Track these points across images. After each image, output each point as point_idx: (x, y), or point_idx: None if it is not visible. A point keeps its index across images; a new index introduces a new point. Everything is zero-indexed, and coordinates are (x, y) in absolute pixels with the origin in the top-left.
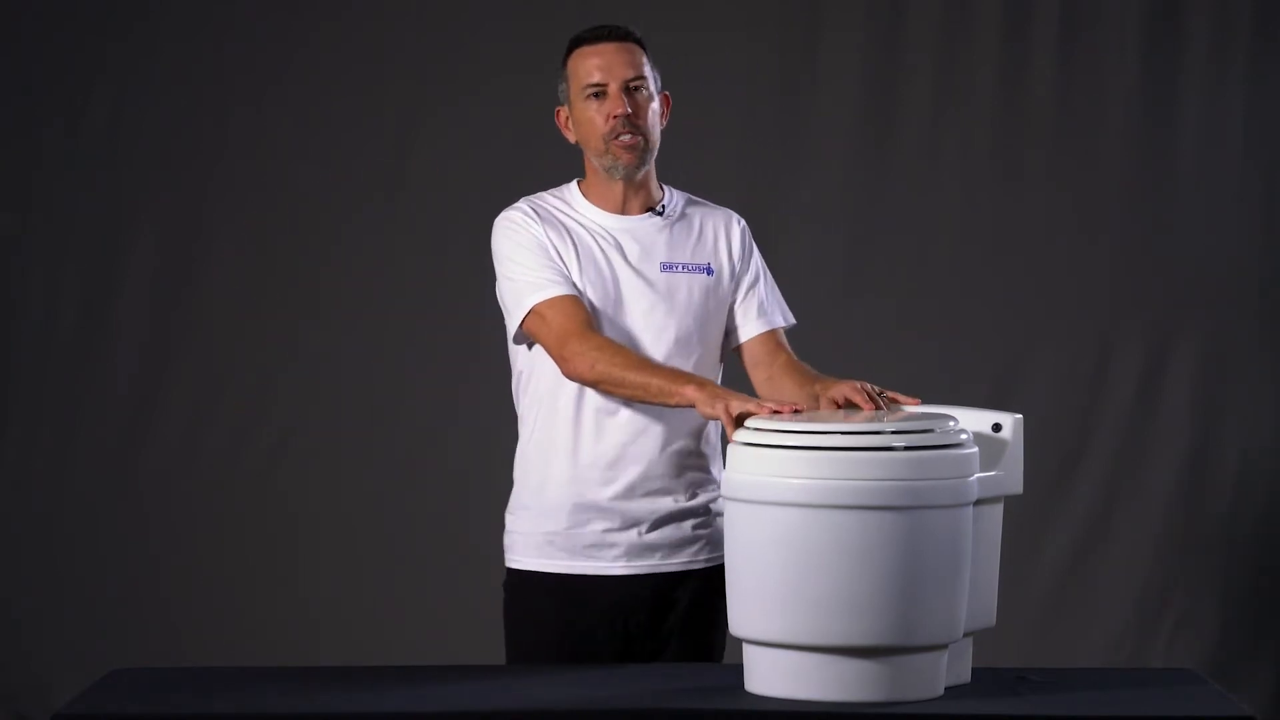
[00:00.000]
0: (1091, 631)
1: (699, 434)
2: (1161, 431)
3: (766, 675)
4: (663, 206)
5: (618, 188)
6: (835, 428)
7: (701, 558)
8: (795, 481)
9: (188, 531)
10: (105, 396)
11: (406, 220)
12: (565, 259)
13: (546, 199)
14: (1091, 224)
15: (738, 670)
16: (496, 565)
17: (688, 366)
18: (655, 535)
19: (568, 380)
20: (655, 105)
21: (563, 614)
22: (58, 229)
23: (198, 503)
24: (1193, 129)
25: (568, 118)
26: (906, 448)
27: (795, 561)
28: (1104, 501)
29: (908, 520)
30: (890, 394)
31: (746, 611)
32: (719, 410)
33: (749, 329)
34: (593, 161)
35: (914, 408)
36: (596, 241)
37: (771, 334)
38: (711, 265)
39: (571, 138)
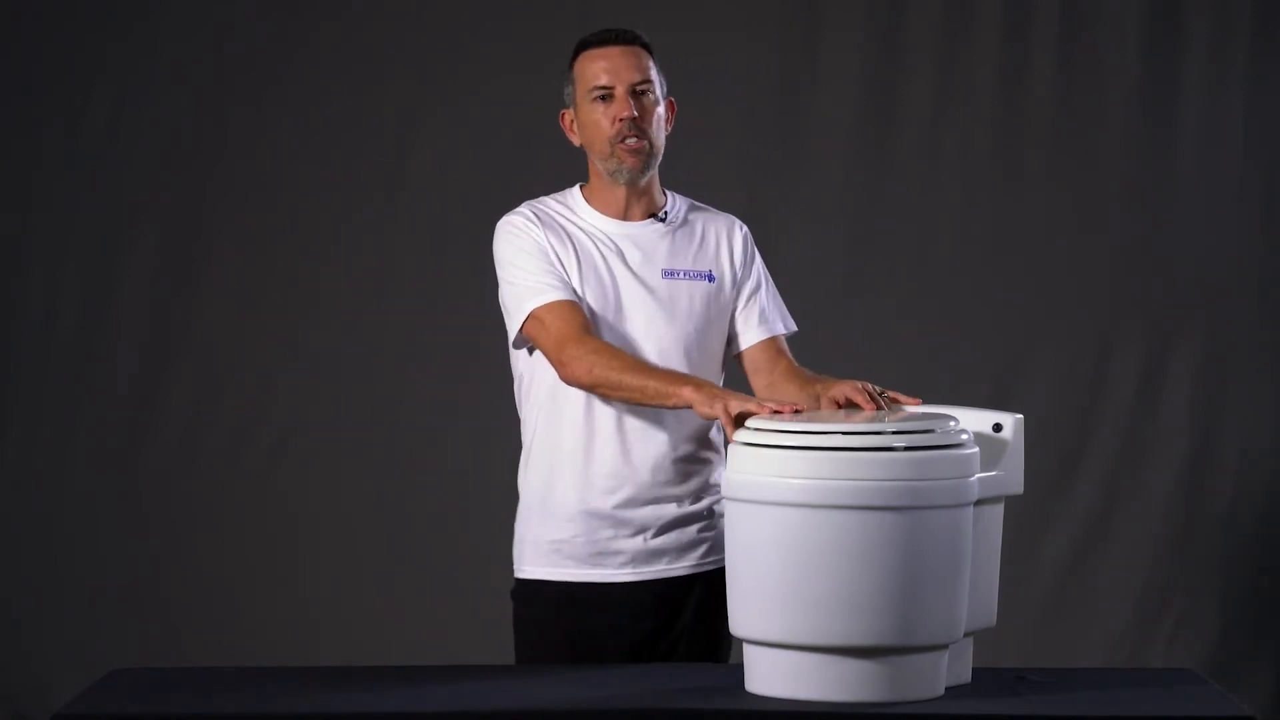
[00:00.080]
0: (1091, 631)
1: (702, 438)
2: (1161, 431)
3: (767, 675)
4: (665, 213)
5: (621, 193)
6: (836, 428)
7: (708, 562)
8: (795, 481)
9: (188, 531)
10: (105, 396)
11: (406, 220)
12: (566, 264)
13: (548, 203)
14: (1091, 224)
15: (738, 670)
16: (497, 565)
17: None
18: (660, 540)
19: (567, 386)
20: (661, 110)
21: (571, 622)
22: (58, 229)
23: (198, 503)
24: (1193, 129)
25: (573, 121)
26: (907, 448)
27: (795, 561)
28: (1104, 501)
29: (908, 520)
30: (891, 394)
31: (747, 611)
32: (718, 410)
33: (750, 336)
34: (597, 165)
35: (914, 408)
36: (597, 247)
37: (772, 341)
38: (713, 272)
39: (576, 141)
